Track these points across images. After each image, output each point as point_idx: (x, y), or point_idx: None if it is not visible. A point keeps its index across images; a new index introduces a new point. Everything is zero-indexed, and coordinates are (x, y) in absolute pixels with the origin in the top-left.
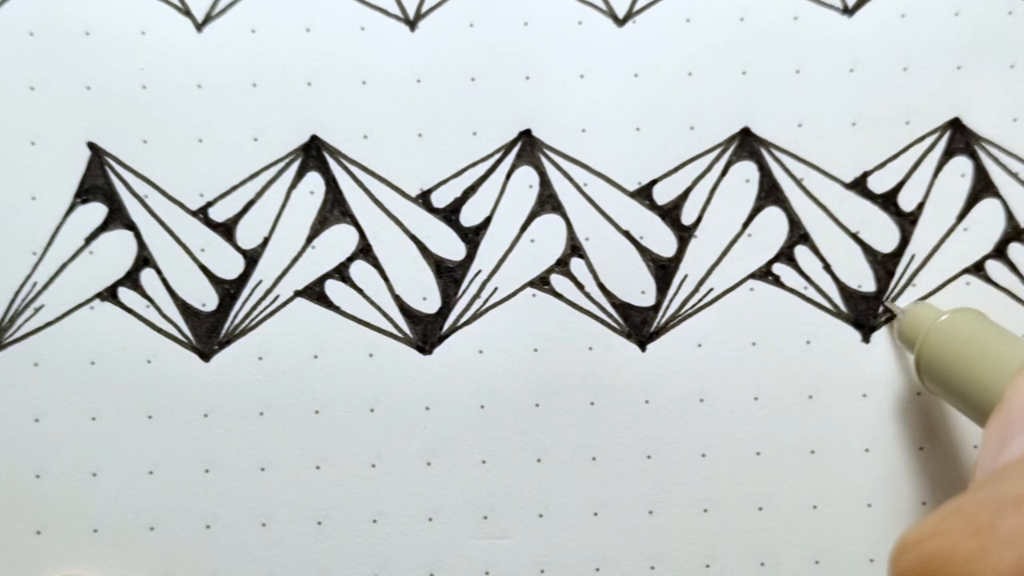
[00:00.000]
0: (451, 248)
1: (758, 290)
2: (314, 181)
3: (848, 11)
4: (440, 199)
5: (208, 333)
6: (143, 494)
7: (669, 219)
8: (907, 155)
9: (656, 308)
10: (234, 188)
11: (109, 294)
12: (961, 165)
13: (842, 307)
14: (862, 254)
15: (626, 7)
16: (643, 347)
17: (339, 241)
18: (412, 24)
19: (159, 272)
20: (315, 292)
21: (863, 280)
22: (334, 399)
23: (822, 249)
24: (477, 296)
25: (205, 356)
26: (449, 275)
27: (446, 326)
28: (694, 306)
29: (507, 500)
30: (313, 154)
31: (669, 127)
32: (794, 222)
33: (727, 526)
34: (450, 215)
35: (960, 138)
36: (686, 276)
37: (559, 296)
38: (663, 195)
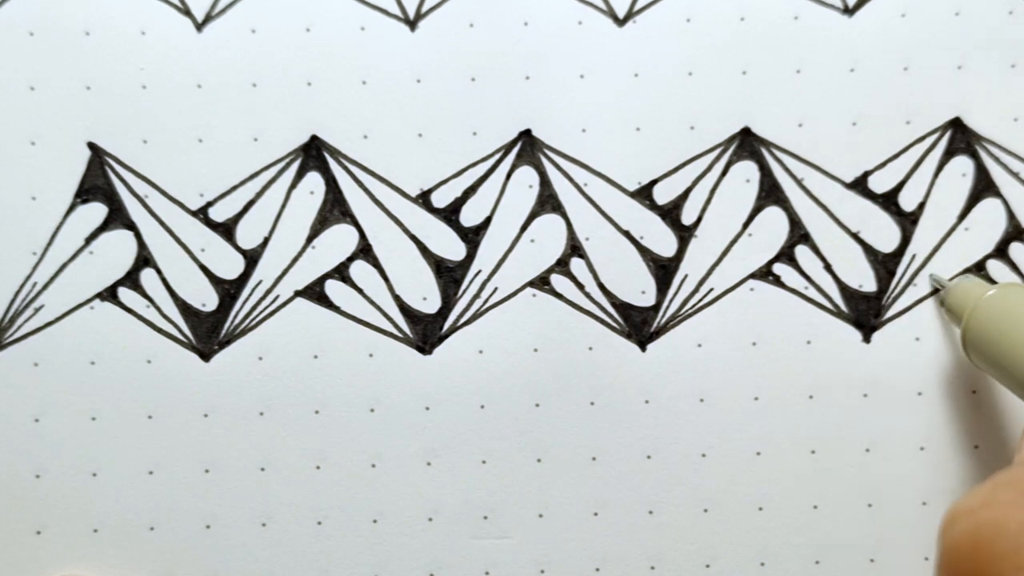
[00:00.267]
0: (451, 248)
1: (758, 290)
2: (314, 181)
3: (848, 11)
4: (440, 199)
5: (208, 333)
6: (143, 494)
7: (669, 219)
8: (908, 155)
9: (656, 308)
10: (234, 188)
11: (109, 294)
12: (962, 165)
13: (843, 307)
14: (863, 254)
15: (626, 7)
16: (643, 347)
17: (339, 241)
18: (412, 24)
19: (159, 272)
20: (315, 292)
21: (864, 280)
22: (334, 399)
23: (823, 249)
24: (477, 296)
25: (205, 356)
26: (449, 275)
27: (446, 326)
28: (694, 306)
29: (507, 500)
30: (313, 154)
31: (669, 127)
32: (794, 222)
33: (727, 526)
34: (450, 215)
35: (961, 138)
36: (686, 276)
37: (559, 296)
38: (663, 195)
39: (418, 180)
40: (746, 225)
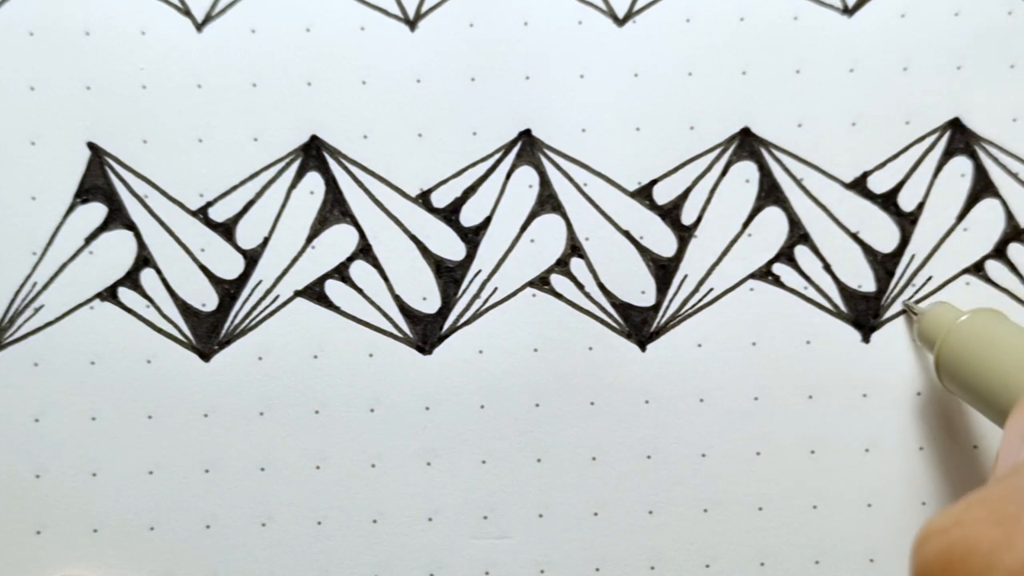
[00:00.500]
0: (451, 248)
1: (758, 290)
2: (314, 181)
3: (848, 11)
4: (440, 199)
5: (208, 333)
6: (143, 494)
7: (669, 219)
8: (907, 155)
9: (656, 308)
10: (234, 188)
11: (109, 294)
12: (961, 165)
13: (842, 307)
14: (862, 254)
15: (626, 7)
16: (643, 347)
17: (339, 241)
18: (412, 24)
19: (159, 272)
20: (315, 292)
21: (863, 280)
22: (334, 399)
23: (822, 249)
24: (477, 296)
25: (205, 356)
26: (449, 275)
27: (446, 326)
28: (694, 306)
29: (507, 500)
30: (313, 154)
31: (669, 127)
32: (794, 222)
33: (727, 526)
34: (450, 215)
35: (960, 138)
36: (686, 276)
37: (559, 296)
38: (663, 195)
39: (418, 180)
40: (746, 225)
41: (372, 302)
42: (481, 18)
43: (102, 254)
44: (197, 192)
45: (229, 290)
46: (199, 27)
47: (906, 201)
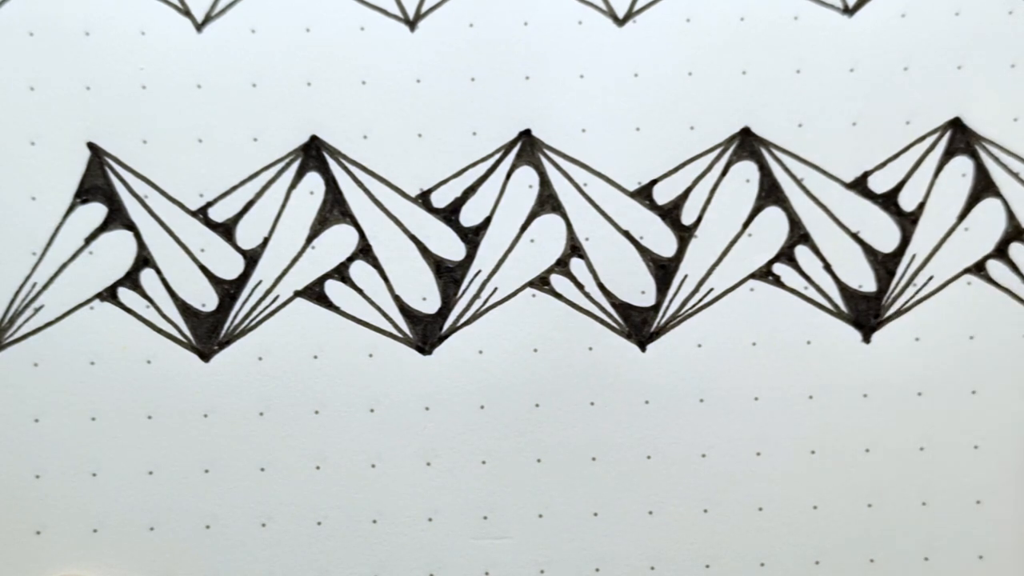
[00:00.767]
0: (451, 248)
1: (758, 290)
2: (314, 181)
3: (848, 11)
4: (440, 199)
5: (208, 333)
6: (143, 494)
7: (669, 219)
8: (907, 155)
9: (656, 308)
10: (234, 188)
11: (109, 294)
12: (962, 165)
13: (842, 307)
14: (862, 254)
15: (626, 7)
16: (643, 347)
17: (339, 241)
18: (412, 24)
19: (159, 272)
20: (315, 292)
21: (864, 280)
22: (334, 399)
23: (822, 249)
24: (477, 296)
25: (205, 356)
26: (449, 275)
27: (446, 326)
28: (694, 306)
29: (507, 500)
30: (313, 154)
31: (669, 127)
32: (794, 222)
33: (727, 526)
34: (450, 215)
35: (960, 138)
36: (686, 276)
37: (559, 296)
38: (663, 195)
39: (418, 180)
40: (746, 225)
41: (372, 302)
42: (481, 18)
43: (102, 254)
44: (197, 192)
45: (229, 290)
46: (199, 27)
47: (907, 201)
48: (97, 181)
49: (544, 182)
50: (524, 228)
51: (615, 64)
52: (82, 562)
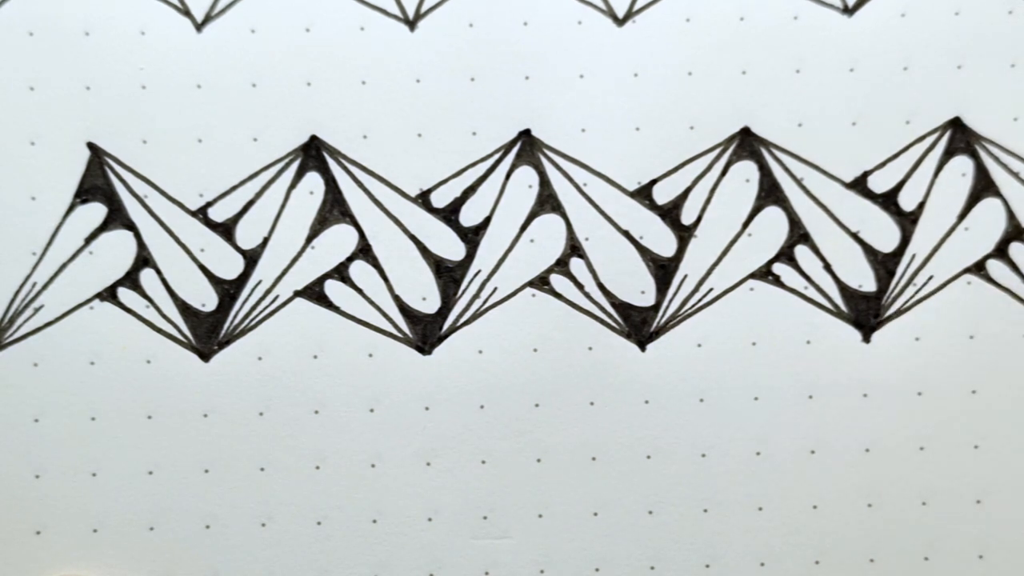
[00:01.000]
0: (451, 248)
1: (758, 290)
2: (314, 181)
3: (848, 11)
4: (440, 199)
5: (208, 333)
6: (143, 494)
7: (669, 219)
8: (907, 155)
9: (656, 308)
10: (234, 188)
11: (109, 294)
12: (962, 164)
13: (842, 307)
14: (862, 254)
15: (626, 7)
16: (643, 347)
17: (339, 241)
18: (412, 24)
19: (159, 272)
20: (315, 292)
21: (863, 280)
22: (334, 399)
23: (822, 249)
24: (477, 296)
25: (205, 356)
26: (449, 275)
27: (446, 326)
28: (694, 306)
29: (507, 500)
30: (313, 154)
31: (669, 127)
32: (794, 222)
33: (727, 526)
34: (450, 215)
35: (960, 137)
36: (686, 276)
37: (559, 296)
38: (663, 195)
39: (418, 180)
40: (746, 225)
41: (372, 302)
42: (481, 18)
43: (102, 254)
44: (197, 192)
45: (229, 290)
46: (199, 27)
47: (907, 201)
48: (97, 181)
49: (544, 182)
50: (524, 228)
51: (615, 64)
52: (82, 562)
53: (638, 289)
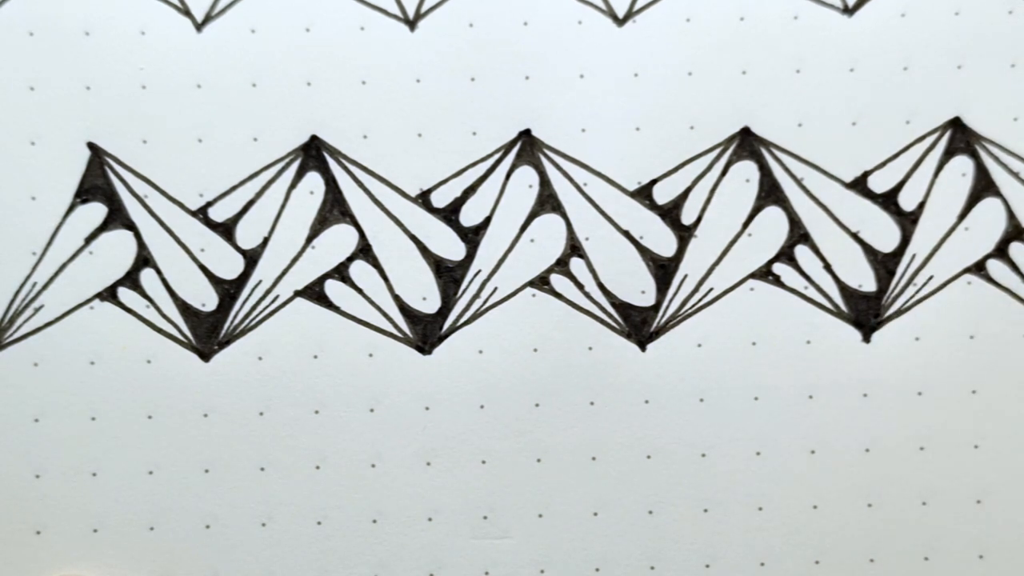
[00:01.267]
0: (451, 248)
1: (758, 290)
2: (314, 181)
3: (848, 11)
4: (440, 199)
5: (208, 333)
6: (143, 494)
7: (669, 219)
8: (907, 155)
9: (656, 308)
10: (234, 188)
11: (109, 294)
12: (962, 164)
13: (842, 307)
14: (862, 254)
15: (626, 7)
16: (643, 347)
17: (339, 241)
18: (412, 24)
19: (159, 272)
20: (315, 292)
21: (864, 280)
22: (334, 399)
23: (822, 249)
24: (477, 296)
25: (205, 356)
26: (449, 275)
27: (446, 326)
28: (694, 306)
29: (507, 500)
30: (313, 154)
31: (669, 127)
32: (794, 222)
33: (727, 526)
34: (450, 215)
35: (961, 137)
36: (686, 276)
37: (559, 296)
38: (663, 195)
39: (418, 180)
40: (746, 225)
41: (372, 302)
42: (481, 18)
43: (102, 254)
44: (197, 192)
45: (229, 290)
46: (199, 27)
47: (907, 200)
48: (97, 181)
49: (544, 182)
50: (524, 228)
51: (615, 64)
52: (82, 562)
53: (638, 289)
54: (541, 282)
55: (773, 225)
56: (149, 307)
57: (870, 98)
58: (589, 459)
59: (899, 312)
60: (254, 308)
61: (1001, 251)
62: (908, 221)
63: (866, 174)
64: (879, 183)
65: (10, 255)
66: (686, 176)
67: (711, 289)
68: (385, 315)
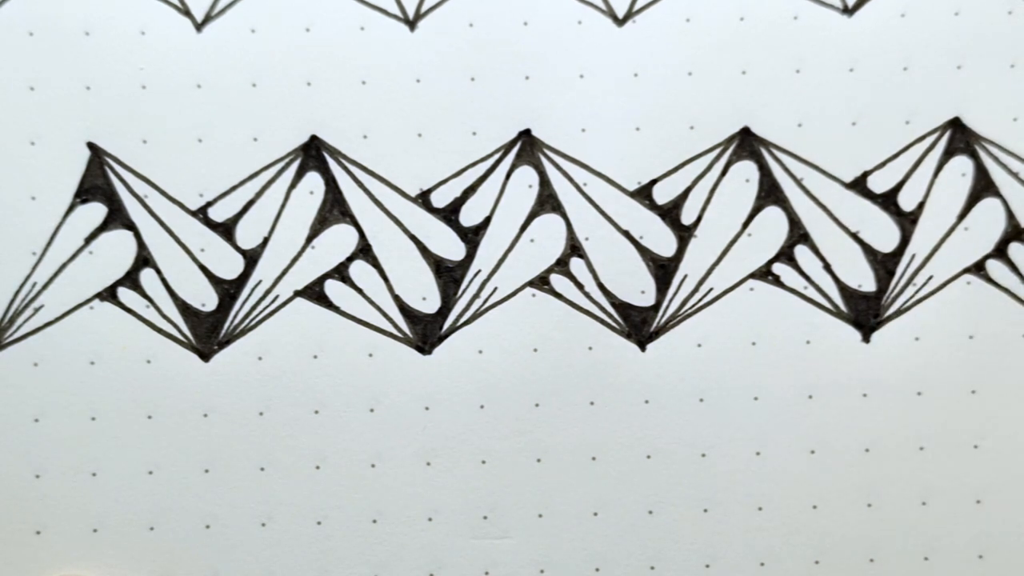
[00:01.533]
0: (451, 248)
1: (758, 290)
2: (314, 181)
3: (848, 11)
4: (440, 199)
5: (208, 333)
6: (143, 494)
7: (669, 219)
8: (907, 155)
9: (656, 308)
10: (234, 188)
11: (109, 294)
12: (961, 164)
13: (842, 307)
14: (862, 254)
15: (626, 7)
16: (643, 347)
17: (339, 241)
18: (412, 24)
19: (159, 272)
20: (315, 292)
21: (863, 280)
22: (334, 399)
23: (822, 249)
24: (477, 296)
25: (205, 356)
26: (449, 275)
27: (446, 326)
28: (694, 306)
29: (507, 500)
30: (313, 154)
31: (669, 127)
32: (794, 222)
33: (727, 526)
34: (450, 215)
35: (960, 137)
36: (686, 276)
37: (559, 296)
38: (663, 195)
39: (418, 180)
40: (746, 225)
41: (372, 302)
42: (481, 18)
43: (102, 254)
44: (197, 192)
45: (229, 290)
46: (199, 27)
47: (906, 201)
48: (97, 181)
49: (544, 182)
50: (524, 228)
51: (615, 64)
52: (82, 562)
53: (638, 289)
54: (541, 282)
55: (773, 225)
56: (149, 307)
57: (870, 98)
58: (589, 459)
59: (899, 312)
60: (254, 308)
61: (1000, 251)
62: (908, 221)
63: (866, 174)
64: (879, 183)
65: (10, 255)
66: (686, 176)
67: (711, 289)
68: (385, 315)
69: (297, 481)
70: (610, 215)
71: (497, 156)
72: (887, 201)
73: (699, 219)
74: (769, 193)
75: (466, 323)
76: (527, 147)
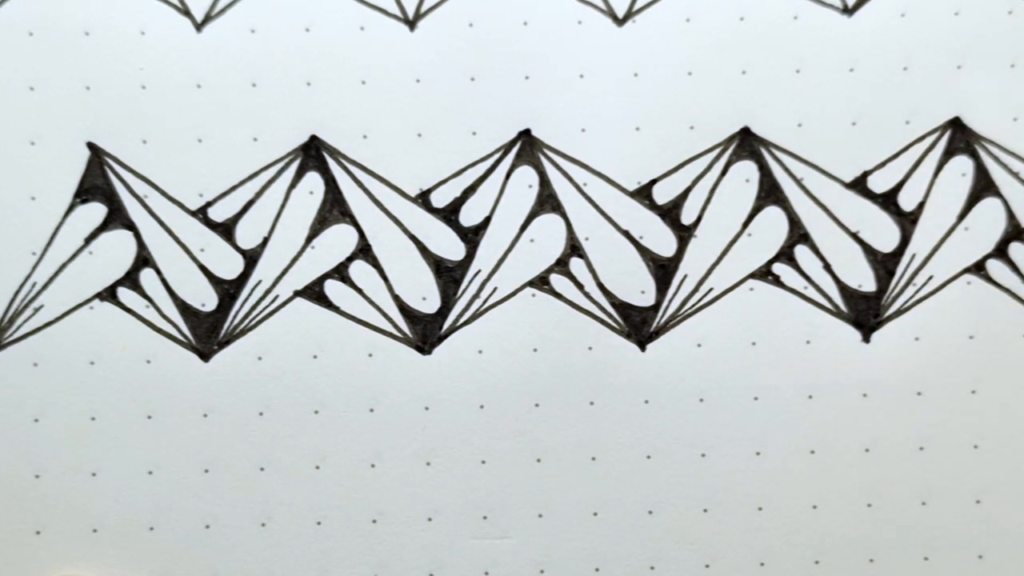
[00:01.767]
0: (451, 248)
1: (758, 290)
2: (314, 181)
3: (848, 11)
4: (440, 199)
5: (208, 333)
6: (143, 494)
7: (669, 219)
8: (907, 155)
9: (656, 308)
10: (234, 188)
11: (109, 294)
12: (962, 164)
13: (842, 307)
14: (862, 254)
15: (626, 7)
16: (643, 347)
17: (339, 241)
18: (412, 24)
19: (159, 272)
20: (315, 292)
21: (863, 280)
22: (334, 399)
23: (822, 249)
24: (477, 296)
25: (205, 356)
26: (449, 275)
27: (446, 326)
28: (694, 306)
29: (507, 500)
30: (313, 154)
31: (669, 127)
32: (794, 222)
33: (727, 526)
34: (450, 215)
35: (960, 137)
36: (686, 276)
37: (559, 296)
38: (663, 195)
39: (417, 180)
40: (746, 225)
41: (372, 302)
42: (481, 18)
43: (102, 254)
44: (197, 192)
45: (229, 290)
46: (199, 27)
47: (906, 201)
48: (97, 181)
49: (544, 182)
50: (524, 228)
51: (615, 64)
52: (82, 562)
53: (638, 289)
54: (541, 282)
55: (773, 225)
56: (149, 307)
57: (870, 98)
58: (589, 459)
59: (899, 312)
60: (254, 308)
61: (1001, 251)
62: (908, 221)
63: (866, 174)
64: (879, 183)
65: (10, 255)
66: (686, 176)
67: (711, 289)
68: (385, 315)
69: (297, 481)
70: (610, 215)
71: (497, 156)
72: (887, 201)
73: (699, 219)
74: (769, 193)
75: (466, 323)
76: (527, 147)
